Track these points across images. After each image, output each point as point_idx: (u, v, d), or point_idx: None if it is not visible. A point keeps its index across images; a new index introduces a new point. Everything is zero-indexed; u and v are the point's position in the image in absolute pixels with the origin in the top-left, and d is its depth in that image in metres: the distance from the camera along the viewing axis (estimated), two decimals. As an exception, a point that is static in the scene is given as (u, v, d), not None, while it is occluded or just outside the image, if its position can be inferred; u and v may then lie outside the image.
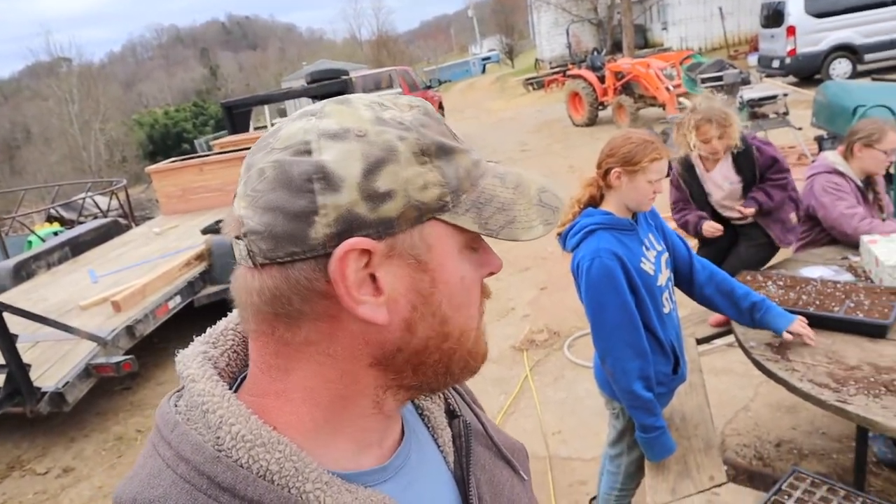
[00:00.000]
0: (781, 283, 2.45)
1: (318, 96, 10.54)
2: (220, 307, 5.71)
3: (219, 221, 5.75)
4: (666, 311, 2.06)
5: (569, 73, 14.19)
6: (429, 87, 14.31)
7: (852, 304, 2.19)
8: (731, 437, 3.10)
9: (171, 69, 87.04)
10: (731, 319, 2.69)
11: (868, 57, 12.53)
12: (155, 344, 5.67)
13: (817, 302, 2.25)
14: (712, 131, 2.79)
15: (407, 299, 0.54)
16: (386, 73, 13.63)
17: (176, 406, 0.56)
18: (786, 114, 6.76)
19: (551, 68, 24.94)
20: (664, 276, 2.08)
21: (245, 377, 0.60)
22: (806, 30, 12.55)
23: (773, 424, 3.15)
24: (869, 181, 2.97)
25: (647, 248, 2.03)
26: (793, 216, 3.00)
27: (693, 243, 2.53)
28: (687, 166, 3.04)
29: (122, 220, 8.65)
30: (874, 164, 2.87)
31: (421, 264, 0.54)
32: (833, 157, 3.03)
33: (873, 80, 6.03)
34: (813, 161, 3.46)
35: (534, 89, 23.62)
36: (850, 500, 1.72)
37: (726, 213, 3.08)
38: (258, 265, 0.52)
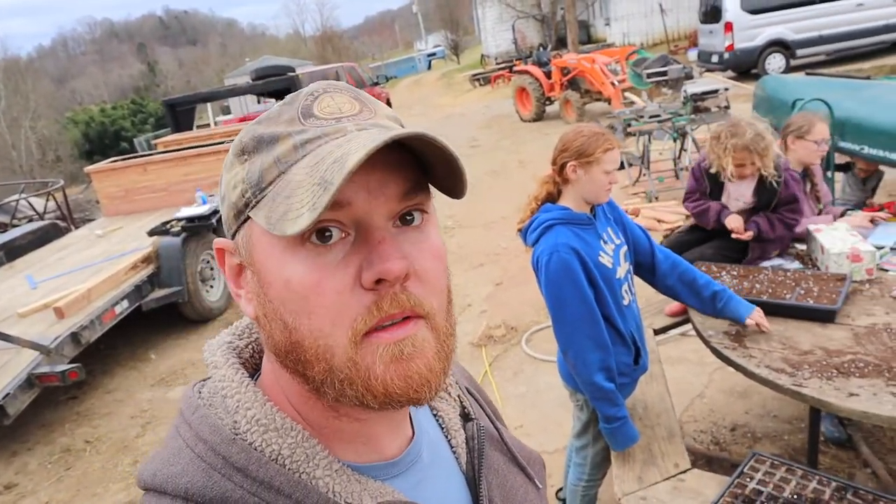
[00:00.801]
0: (735, 272, 2.53)
1: (264, 93, 10.36)
2: (170, 311, 5.56)
3: (166, 223, 5.62)
4: (625, 302, 2.10)
5: (515, 68, 14.31)
6: (376, 84, 14.21)
7: (802, 291, 2.28)
8: (689, 424, 3.18)
9: (106, 65, 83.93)
10: (686, 309, 2.79)
11: (800, 52, 13.07)
12: (101, 350, 5.47)
13: (770, 290, 2.33)
14: (748, 160, 2.69)
15: (253, 297, 0.56)
16: (333, 69, 13.47)
17: (200, 392, 0.60)
18: (727, 107, 6.97)
19: (497, 64, 25.07)
20: (623, 269, 2.12)
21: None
22: (742, 26, 12.99)
23: (728, 410, 3.25)
24: (806, 172, 3.09)
25: (605, 242, 2.07)
26: (774, 254, 2.92)
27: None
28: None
29: (60, 223, 8.29)
30: (808, 154, 3.01)
31: (250, 264, 0.55)
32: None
33: (807, 74, 6.28)
34: None
35: (480, 85, 23.71)
36: (807, 479, 1.79)
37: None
38: None
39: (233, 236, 0.57)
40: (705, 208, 2.95)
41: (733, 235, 2.83)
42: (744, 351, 2.08)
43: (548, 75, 12.69)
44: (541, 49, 14.53)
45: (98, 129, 34.29)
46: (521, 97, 13.49)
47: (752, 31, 12.98)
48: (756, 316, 2.15)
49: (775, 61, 13.12)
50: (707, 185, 2.98)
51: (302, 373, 0.54)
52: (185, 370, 4.99)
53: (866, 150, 4.14)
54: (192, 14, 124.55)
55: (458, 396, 0.73)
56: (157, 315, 5.47)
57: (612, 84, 10.70)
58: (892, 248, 2.59)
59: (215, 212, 5.77)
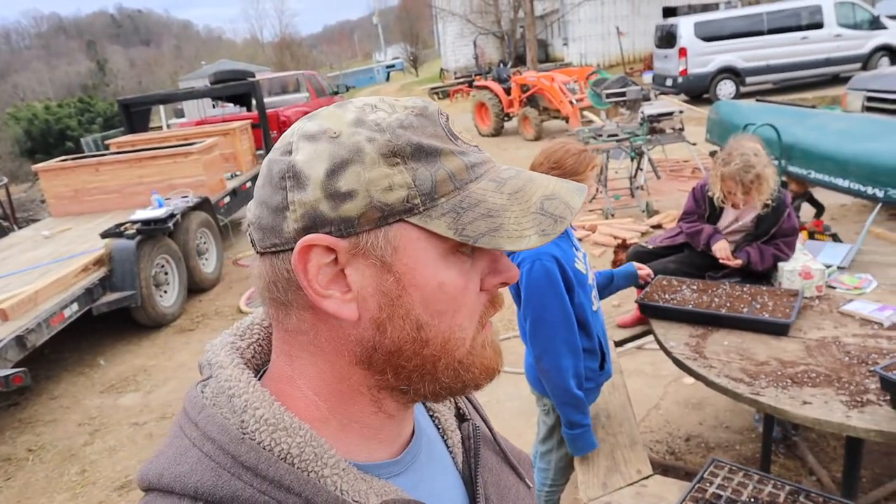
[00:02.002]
0: (695, 287, 2.62)
1: (222, 97, 10.21)
2: (121, 315, 5.41)
3: (120, 225, 5.47)
4: (594, 308, 2.18)
5: (475, 84, 14.48)
6: (336, 93, 14.09)
7: (758, 306, 2.38)
8: (645, 435, 3.27)
9: (52, 60, 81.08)
10: (637, 319, 2.91)
11: (749, 80, 13.67)
12: (47, 355, 5.29)
13: (728, 304, 2.43)
14: (734, 190, 2.64)
15: (375, 299, 0.55)
16: (293, 76, 13.35)
17: (203, 392, 0.59)
18: (681, 129, 7.22)
19: (456, 78, 25.31)
20: (591, 275, 2.20)
21: (266, 370, 0.63)
22: (696, 52, 13.50)
23: (682, 421, 3.35)
24: None
25: (577, 249, 2.14)
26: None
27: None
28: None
29: (2, 222, 8.00)
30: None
31: (386, 266, 0.54)
32: None
33: (758, 101, 6.56)
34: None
35: (439, 99, 23.86)
36: (762, 483, 1.87)
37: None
38: (258, 252, 0.57)
39: (345, 235, 0.54)
40: (698, 230, 2.91)
41: (721, 261, 2.80)
42: (704, 361, 2.16)
43: (507, 91, 12.88)
44: (501, 65, 14.74)
45: (41, 126, 33.03)
46: (480, 112, 13.65)
47: (705, 58, 13.51)
48: (641, 271, 2.56)
49: (726, 87, 13.67)
50: (706, 209, 2.92)
51: (411, 367, 0.58)
52: (137, 376, 4.86)
53: (812, 174, 4.35)
54: (146, 13, 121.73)
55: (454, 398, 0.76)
56: (107, 319, 5.32)
57: (571, 102, 10.94)
58: (839, 267, 2.73)
59: (172, 215, 5.66)
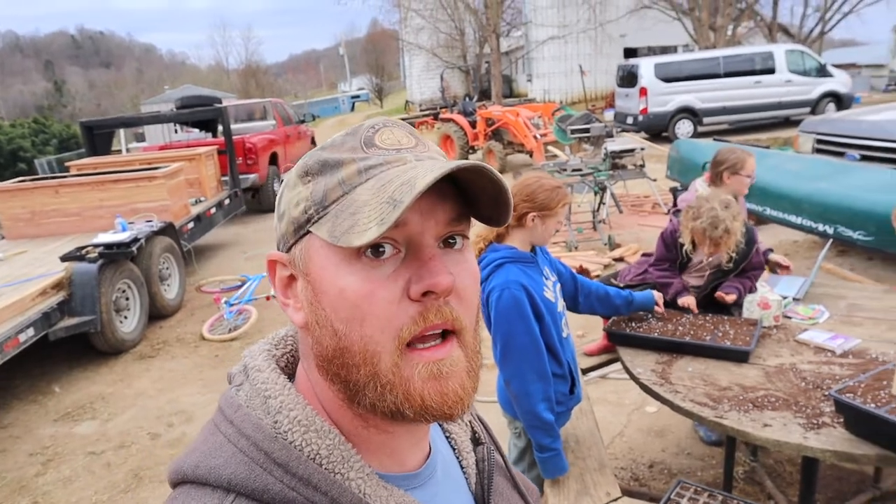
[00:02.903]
0: (660, 315, 2.71)
1: (188, 123, 10.14)
2: (79, 341, 5.24)
3: (81, 248, 5.36)
4: (564, 335, 2.24)
5: (441, 116, 14.69)
6: (302, 122, 14.14)
7: (720, 334, 2.48)
8: (610, 461, 3.32)
9: (6, 79, 79.33)
10: (604, 347, 2.98)
11: (706, 120, 14.21)
12: (-2, 381, 5.10)
13: (692, 332, 2.53)
14: (703, 243, 2.69)
15: (306, 306, 0.60)
16: (260, 104, 13.34)
17: (238, 394, 0.62)
18: (642, 166, 7.45)
19: (421, 111, 25.64)
20: (561, 303, 2.27)
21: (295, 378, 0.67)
22: (656, 92, 14.01)
23: (646, 448, 3.42)
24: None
25: (547, 278, 2.21)
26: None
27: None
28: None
29: (-47, 244, 7.73)
30: (741, 187, 3.30)
31: (304, 274, 0.59)
32: (701, 186, 3.44)
33: (715, 140, 6.84)
34: (668, 211, 3.84)
35: (405, 130, 24.06)
36: (726, 503, 1.94)
37: (689, 278, 3.04)
38: None
39: (288, 250, 0.61)
40: (668, 283, 2.89)
41: (717, 298, 2.81)
42: (670, 387, 2.24)
43: (472, 125, 13.11)
44: (466, 99, 15.01)
45: (-7, 147, 32.15)
46: (445, 144, 13.83)
47: (665, 98, 14.02)
48: (660, 300, 2.64)
49: (684, 126, 14.18)
50: (677, 254, 2.91)
51: (344, 378, 0.58)
52: (94, 404, 4.72)
53: (768, 211, 4.55)
54: (108, 36, 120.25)
55: (470, 422, 0.79)
56: (63, 345, 5.17)
57: (535, 137, 11.19)
58: (794, 299, 2.86)
59: (136, 239, 5.58)
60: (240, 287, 6.32)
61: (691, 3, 20.43)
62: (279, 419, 0.58)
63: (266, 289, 6.15)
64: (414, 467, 0.66)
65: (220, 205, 8.14)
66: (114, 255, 5.32)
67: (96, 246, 5.34)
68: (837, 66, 15.95)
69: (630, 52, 24.47)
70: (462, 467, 0.74)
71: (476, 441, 0.78)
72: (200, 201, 7.93)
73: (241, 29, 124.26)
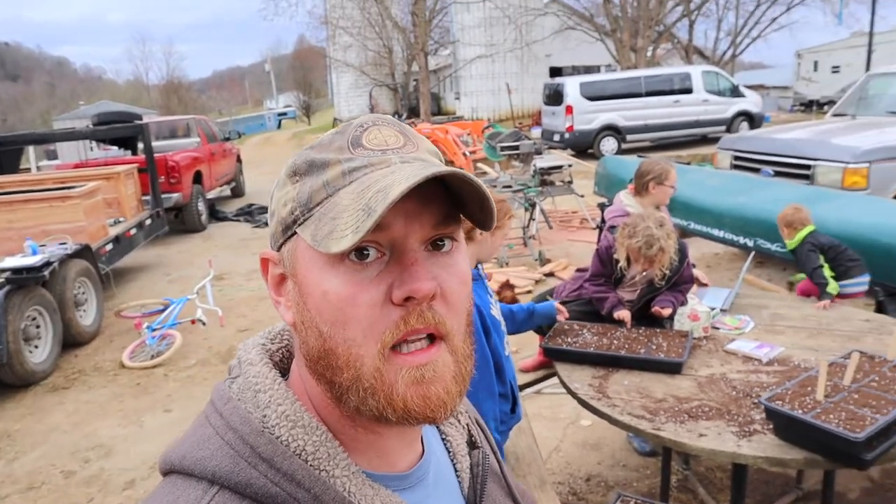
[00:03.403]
0: (594, 330, 2.74)
1: (106, 140, 9.71)
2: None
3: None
4: (507, 353, 2.22)
5: (372, 133, 14.62)
6: (227, 139, 13.76)
7: (654, 346, 2.53)
8: (548, 477, 3.32)
9: None
10: (539, 364, 3.00)
11: (629, 137, 14.74)
12: None
13: (626, 346, 2.56)
14: (637, 260, 2.74)
15: (294, 305, 0.60)
16: (183, 120, 12.89)
17: (230, 387, 0.63)
18: (570, 182, 7.62)
19: (351, 128, 25.45)
20: (502, 322, 2.25)
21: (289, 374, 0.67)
22: (581, 110, 14.44)
23: (582, 462, 3.44)
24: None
25: (491, 296, 2.19)
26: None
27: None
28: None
29: None
30: (664, 197, 3.41)
31: (293, 275, 0.59)
32: (625, 197, 3.53)
33: (639, 157, 7.07)
34: (596, 226, 3.92)
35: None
36: (666, 517, 1.96)
37: (623, 293, 3.05)
38: None
39: (278, 249, 0.61)
40: (604, 297, 2.90)
41: (653, 312, 2.84)
42: (608, 401, 2.25)
43: (403, 142, 13.09)
44: (395, 117, 15.01)
45: None
46: (376, 161, 13.75)
47: (590, 116, 14.47)
48: (563, 311, 2.70)
49: (608, 143, 14.65)
50: (613, 270, 2.93)
51: (329, 379, 0.57)
52: None
53: (692, 225, 4.72)
54: (15, 47, 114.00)
55: (467, 425, 0.77)
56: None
57: (464, 154, 11.29)
58: (721, 310, 2.95)
59: (48, 263, 5.24)
60: (163, 311, 6.03)
61: (613, 24, 21.24)
62: (267, 413, 0.58)
63: (191, 312, 5.90)
64: (405, 468, 0.65)
65: (140, 225, 7.80)
66: (22, 281, 4.97)
67: (2, 271, 4.99)
68: (748, 87, 16.90)
69: (555, 72, 25.17)
70: (456, 471, 0.72)
71: (472, 445, 0.77)
72: (119, 222, 7.57)
73: (162, 43, 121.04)
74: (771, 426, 1.95)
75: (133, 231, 7.48)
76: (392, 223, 0.55)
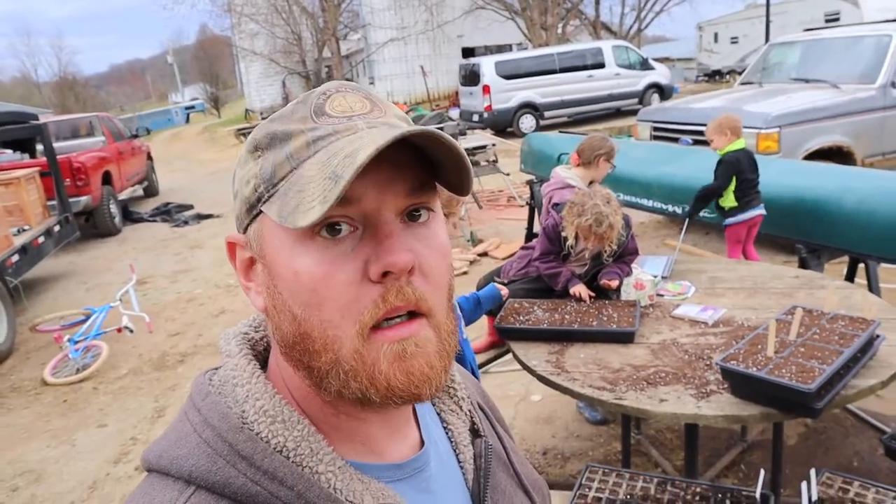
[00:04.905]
0: (545, 306, 2.77)
1: None
2: None
3: None
4: (465, 337, 2.21)
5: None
6: (135, 136, 13.05)
7: (605, 318, 2.58)
8: (506, 453, 3.36)
9: None
10: (489, 344, 3.01)
11: (547, 113, 14.99)
12: None
13: (578, 319, 2.60)
14: (586, 237, 2.75)
15: (265, 289, 0.57)
16: (86, 119, 12.11)
17: (210, 380, 0.60)
18: (495, 161, 7.68)
19: (262, 118, 24.77)
20: (457, 307, 2.24)
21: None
22: (498, 89, 14.55)
23: (537, 437, 3.50)
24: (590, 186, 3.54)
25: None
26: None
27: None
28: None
29: None
30: (605, 172, 3.52)
31: (261, 257, 0.56)
32: (563, 172, 3.58)
33: (561, 132, 7.22)
34: (525, 203, 4.00)
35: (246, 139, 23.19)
36: (633, 480, 2.01)
37: (572, 267, 3.04)
38: None
39: (244, 231, 0.58)
40: (557, 272, 2.90)
41: (602, 286, 2.87)
42: (567, 375, 2.28)
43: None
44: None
45: None
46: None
47: (507, 94, 14.62)
48: (504, 292, 2.69)
49: (527, 121, 14.86)
50: (561, 247, 2.93)
51: (307, 364, 0.54)
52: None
53: (621, 196, 4.81)
54: None
55: (469, 411, 0.72)
56: None
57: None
58: (663, 277, 3.04)
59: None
60: (84, 321, 5.68)
61: (522, 3, 21.46)
62: (246, 408, 0.56)
63: (116, 320, 5.59)
64: (397, 458, 0.61)
65: (48, 232, 7.31)
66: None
67: None
68: (656, 60, 17.49)
69: (468, 52, 25.23)
70: (459, 462, 0.68)
71: (475, 433, 0.72)
72: (24, 230, 7.08)
73: (49, 37, 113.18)
74: (727, 385, 2.03)
75: (41, 239, 7.01)
76: (363, 195, 0.51)
